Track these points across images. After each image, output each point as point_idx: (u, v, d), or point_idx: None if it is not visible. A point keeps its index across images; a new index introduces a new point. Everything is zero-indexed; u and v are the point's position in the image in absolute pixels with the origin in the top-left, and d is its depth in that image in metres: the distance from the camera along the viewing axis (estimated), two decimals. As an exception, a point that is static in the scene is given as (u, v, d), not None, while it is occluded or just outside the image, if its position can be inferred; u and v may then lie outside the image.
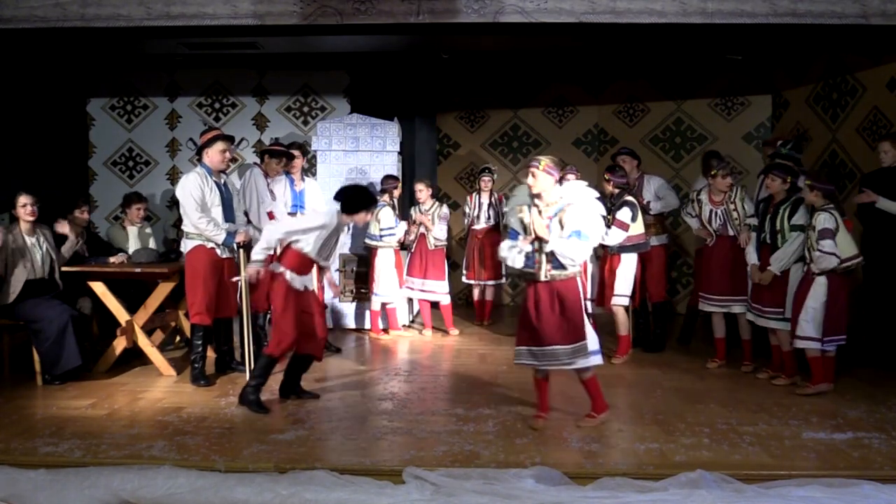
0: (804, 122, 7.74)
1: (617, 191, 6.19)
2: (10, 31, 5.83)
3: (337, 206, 4.90)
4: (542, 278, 4.29)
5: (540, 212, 4.30)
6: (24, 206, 5.63)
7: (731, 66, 7.79)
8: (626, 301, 6.21)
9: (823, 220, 5.08)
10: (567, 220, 4.24)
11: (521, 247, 4.30)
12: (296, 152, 6.55)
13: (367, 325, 7.49)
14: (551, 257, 4.27)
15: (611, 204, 6.09)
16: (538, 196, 4.31)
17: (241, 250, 5.47)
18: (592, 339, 4.39)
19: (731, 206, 5.85)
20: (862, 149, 6.86)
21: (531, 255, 4.30)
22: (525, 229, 4.33)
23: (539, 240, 4.27)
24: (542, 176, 4.26)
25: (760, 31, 5.71)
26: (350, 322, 7.65)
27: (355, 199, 4.87)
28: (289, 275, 4.82)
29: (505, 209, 4.49)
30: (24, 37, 5.96)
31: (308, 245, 4.82)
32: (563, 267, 4.28)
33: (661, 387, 5.45)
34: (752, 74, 8.19)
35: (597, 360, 4.42)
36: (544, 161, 4.28)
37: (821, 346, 5.12)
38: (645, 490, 3.52)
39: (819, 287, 5.11)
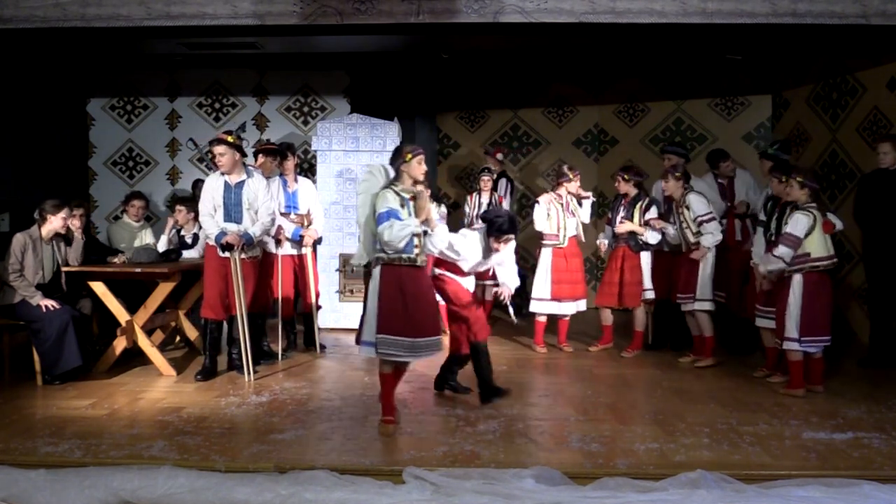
0: (804, 122, 7.74)
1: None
2: (10, 31, 5.84)
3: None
4: (419, 263, 4.37)
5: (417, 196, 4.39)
6: (63, 219, 5.62)
7: (731, 66, 7.79)
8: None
9: (794, 223, 5.07)
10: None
11: (413, 228, 4.27)
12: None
13: None
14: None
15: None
16: (419, 182, 4.52)
17: (236, 252, 5.46)
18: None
19: (681, 217, 5.96)
20: (862, 149, 6.87)
21: (411, 238, 4.31)
22: (414, 212, 4.35)
23: (426, 222, 4.36)
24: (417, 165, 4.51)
25: (760, 31, 5.71)
26: (354, 323, 7.62)
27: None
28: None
29: (358, 190, 4.58)
30: (24, 37, 5.97)
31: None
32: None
33: (661, 387, 5.45)
34: (752, 74, 8.18)
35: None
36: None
37: (799, 345, 5.11)
38: (645, 490, 3.51)
39: (796, 286, 5.12)
